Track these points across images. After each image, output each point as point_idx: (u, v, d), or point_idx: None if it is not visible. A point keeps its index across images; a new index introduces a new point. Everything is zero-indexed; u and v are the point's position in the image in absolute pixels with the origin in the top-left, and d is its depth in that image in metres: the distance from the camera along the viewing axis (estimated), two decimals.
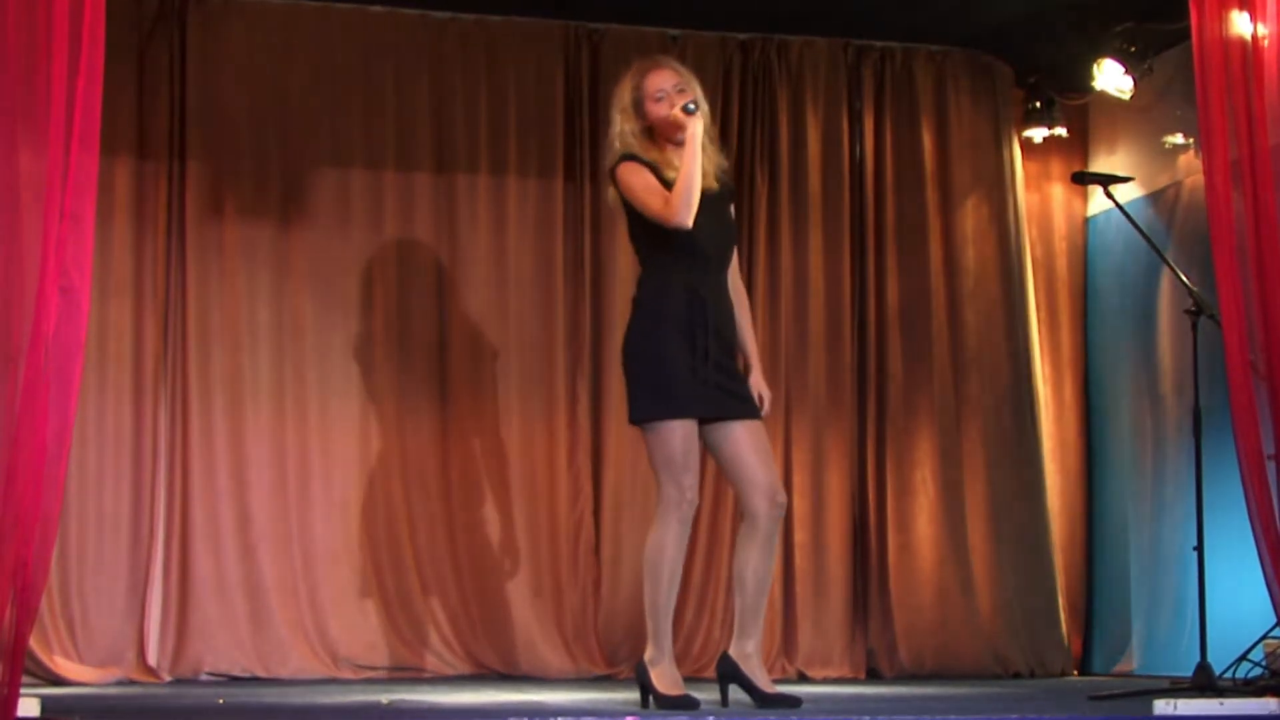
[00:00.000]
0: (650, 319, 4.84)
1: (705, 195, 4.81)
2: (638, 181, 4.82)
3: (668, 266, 4.83)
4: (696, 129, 4.74)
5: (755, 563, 4.83)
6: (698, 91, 4.91)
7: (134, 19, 6.58)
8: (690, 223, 4.74)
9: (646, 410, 4.81)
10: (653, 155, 4.85)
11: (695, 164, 4.73)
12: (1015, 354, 7.33)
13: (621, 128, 4.91)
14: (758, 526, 4.83)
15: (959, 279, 7.28)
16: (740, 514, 4.97)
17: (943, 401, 7.19)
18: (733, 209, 5.08)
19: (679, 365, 4.77)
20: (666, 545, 4.78)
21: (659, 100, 4.87)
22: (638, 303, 4.92)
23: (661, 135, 4.89)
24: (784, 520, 6.84)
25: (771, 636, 6.84)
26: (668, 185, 4.79)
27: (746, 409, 4.87)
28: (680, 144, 4.84)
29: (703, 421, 4.83)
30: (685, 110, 4.77)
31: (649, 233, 4.86)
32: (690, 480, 4.78)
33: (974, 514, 7.16)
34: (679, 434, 4.76)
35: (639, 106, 4.90)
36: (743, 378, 4.96)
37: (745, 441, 4.85)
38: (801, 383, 7.09)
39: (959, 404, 7.21)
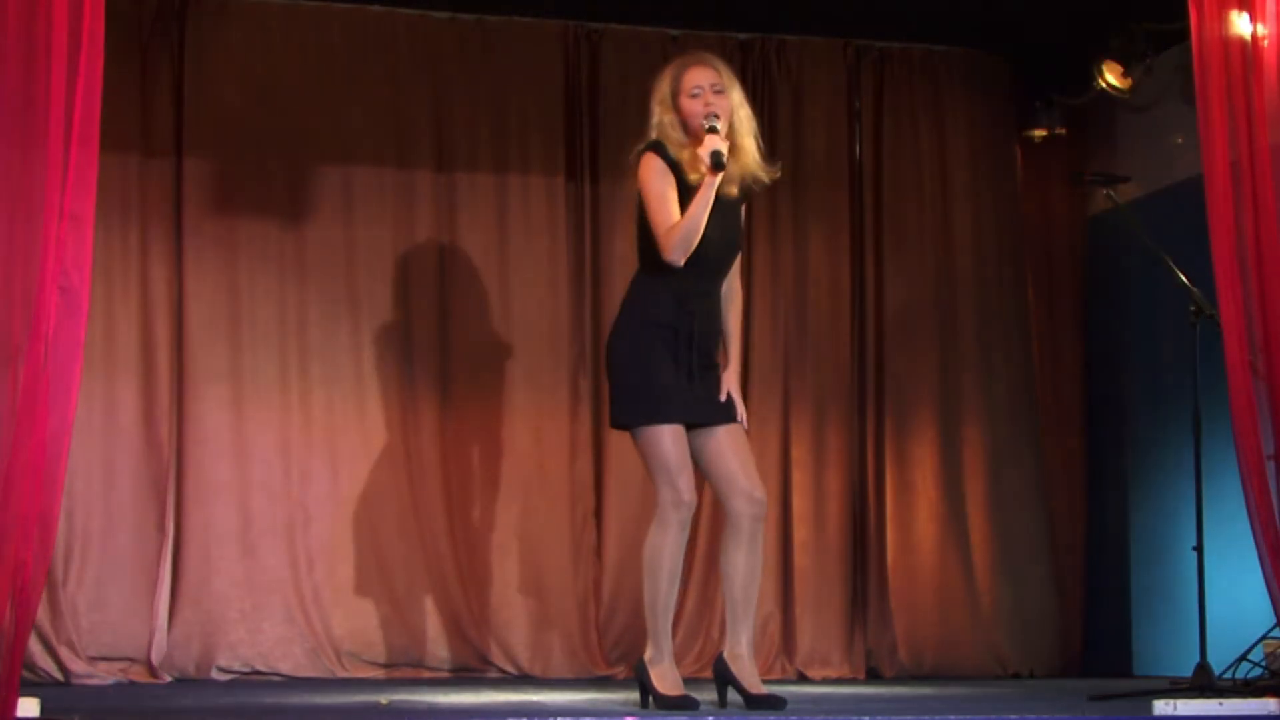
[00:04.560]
0: (634, 324, 4.83)
1: (721, 199, 4.76)
2: (654, 188, 4.76)
3: (663, 269, 4.78)
4: (714, 182, 4.66)
5: (741, 564, 4.82)
6: (737, 93, 4.85)
7: (134, 19, 6.57)
8: (681, 264, 4.72)
9: (626, 416, 4.82)
10: (685, 154, 4.80)
11: (703, 213, 4.69)
12: (1015, 354, 7.34)
13: (661, 119, 4.87)
14: (740, 528, 4.83)
15: (958, 279, 7.28)
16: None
17: (943, 401, 7.19)
18: (744, 210, 5.03)
19: (660, 371, 4.76)
20: (665, 547, 4.77)
21: (694, 97, 4.81)
22: (625, 305, 4.91)
23: (693, 133, 4.83)
24: (783, 520, 6.95)
25: (771, 637, 6.84)
26: (688, 187, 4.76)
27: (725, 413, 4.87)
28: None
29: (685, 428, 4.82)
30: (713, 163, 4.66)
31: (652, 233, 4.83)
32: (686, 482, 4.77)
33: (974, 514, 7.16)
34: (668, 437, 4.75)
35: (675, 99, 4.86)
36: (720, 386, 4.91)
37: (725, 444, 4.85)
38: (801, 382, 7.09)
39: (959, 404, 7.21)
